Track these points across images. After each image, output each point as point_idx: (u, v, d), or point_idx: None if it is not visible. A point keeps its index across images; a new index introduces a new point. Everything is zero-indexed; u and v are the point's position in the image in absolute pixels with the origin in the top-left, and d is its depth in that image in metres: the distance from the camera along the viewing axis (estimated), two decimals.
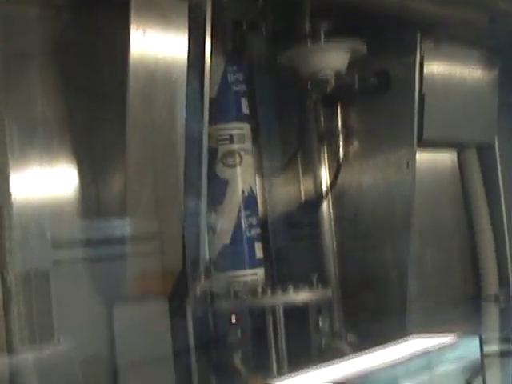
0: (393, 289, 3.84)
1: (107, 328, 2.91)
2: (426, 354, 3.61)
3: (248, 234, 3.47)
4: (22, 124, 2.74)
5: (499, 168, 4.64)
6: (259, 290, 3.23)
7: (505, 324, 4.34)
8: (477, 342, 3.41)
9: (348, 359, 3.45)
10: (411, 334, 3.80)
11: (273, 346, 3.18)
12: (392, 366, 3.43)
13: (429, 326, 3.99)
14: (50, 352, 2.67)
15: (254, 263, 3.47)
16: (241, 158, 3.45)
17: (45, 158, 2.85)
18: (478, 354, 3.36)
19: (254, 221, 3.51)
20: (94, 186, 2.97)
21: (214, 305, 3.15)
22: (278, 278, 3.64)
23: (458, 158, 4.67)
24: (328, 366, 3.35)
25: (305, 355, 3.28)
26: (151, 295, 2.97)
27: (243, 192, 3.47)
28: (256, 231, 3.52)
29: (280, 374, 3.14)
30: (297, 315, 3.30)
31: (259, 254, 3.50)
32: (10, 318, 2.57)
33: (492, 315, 4.40)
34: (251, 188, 3.52)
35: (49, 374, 2.62)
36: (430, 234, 4.30)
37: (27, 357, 2.60)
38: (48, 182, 2.87)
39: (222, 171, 3.44)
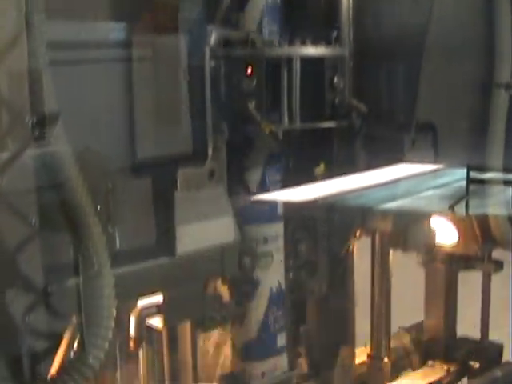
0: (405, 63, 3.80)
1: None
2: (414, 177, 3.69)
3: None
4: None
5: None
6: (276, 41, 3.22)
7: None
8: (464, 170, 3.47)
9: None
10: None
11: (286, 97, 3.20)
12: (380, 187, 3.51)
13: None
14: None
15: None
16: None
17: None
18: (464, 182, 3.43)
19: None
20: None
21: (230, 52, 3.13)
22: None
23: None
24: (319, 182, 3.42)
25: (318, 109, 3.31)
26: None
27: None
28: None
29: (291, 123, 3.19)
30: (312, 71, 3.30)
31: None
32: None
33: (502, 102, 4.40)
34: None
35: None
36: (450, 21, 4.20)
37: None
38: None
39: None
